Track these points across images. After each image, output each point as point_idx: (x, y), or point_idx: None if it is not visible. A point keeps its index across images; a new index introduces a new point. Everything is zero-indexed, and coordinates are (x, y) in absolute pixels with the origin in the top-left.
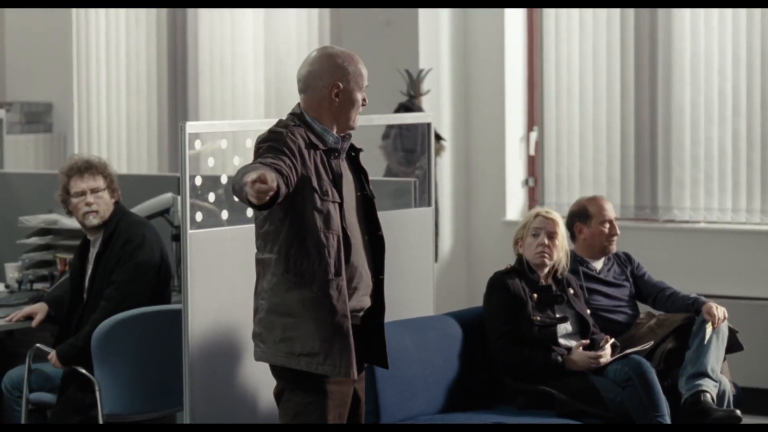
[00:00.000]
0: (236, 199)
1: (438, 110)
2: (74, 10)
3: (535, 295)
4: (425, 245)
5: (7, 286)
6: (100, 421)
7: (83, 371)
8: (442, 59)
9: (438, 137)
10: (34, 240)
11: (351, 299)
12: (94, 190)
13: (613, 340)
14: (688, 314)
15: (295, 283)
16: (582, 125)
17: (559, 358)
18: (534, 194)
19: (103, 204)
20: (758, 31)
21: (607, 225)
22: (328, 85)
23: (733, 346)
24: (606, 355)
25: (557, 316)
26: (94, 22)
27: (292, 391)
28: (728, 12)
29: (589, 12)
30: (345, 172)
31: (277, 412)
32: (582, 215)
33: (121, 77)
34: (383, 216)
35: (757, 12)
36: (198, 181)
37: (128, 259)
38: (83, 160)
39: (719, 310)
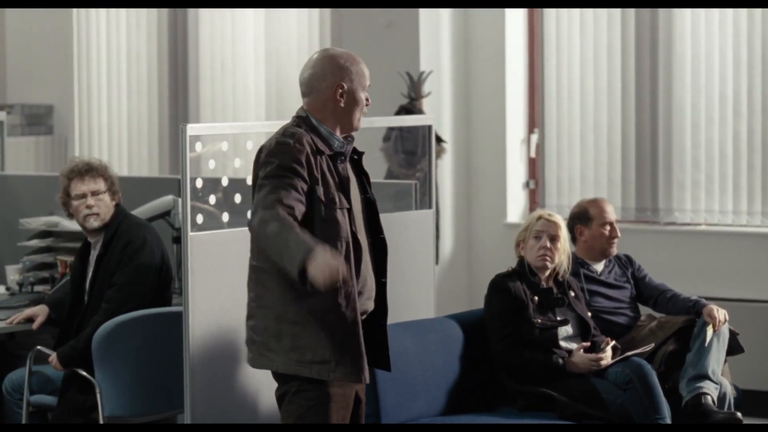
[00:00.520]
0: (274, 256)
1: (439, 112)
2: (75, 12)
3: (536, 298)
4: (426, 247)
5: (7, 289)
6: (101, 423)
7: (84, 373)
8: (443, 61)
9: (439, 139)
10: (35, 242)
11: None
12: (94, 193)
13: (613, 342)
14: (689, 316)
15: (302, 292)
16: (583, 127)
17: (560, 361)
18: (535, 196)
19: (103, 206)
20: (759, 33)
21: (608, 227)
22: (332, 86)
23: (734, 348)
24: (607, 357)
25: (558, 318)
26: (95, 24)
27: (296, 394)
28: (729, 13)
29: (589, 13)
30: (348, 174)
31: (278, 414)
32: (583, 217)
33: (121, 79)
34: (384, 218)
35: (757, 13)
36: (199, 183)
37: (129, 261)
38: (84, 162)
39: (720, 313)
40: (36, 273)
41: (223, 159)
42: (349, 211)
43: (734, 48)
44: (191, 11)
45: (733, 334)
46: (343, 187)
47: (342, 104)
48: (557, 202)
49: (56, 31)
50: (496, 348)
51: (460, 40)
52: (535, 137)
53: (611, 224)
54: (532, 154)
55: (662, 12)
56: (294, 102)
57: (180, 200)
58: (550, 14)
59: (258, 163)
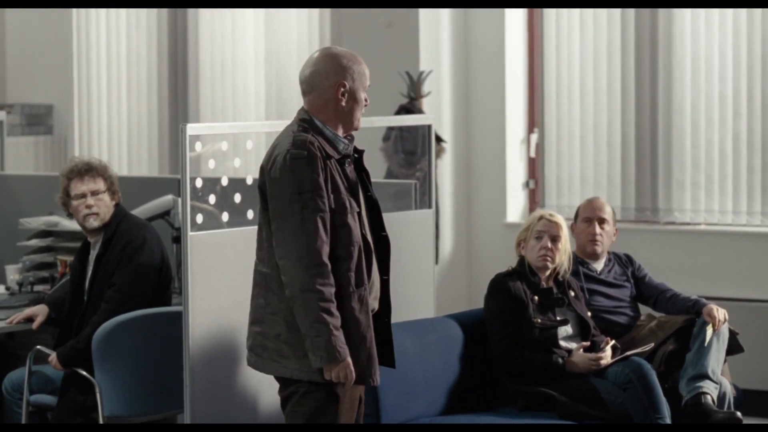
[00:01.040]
0: (302, 326)
1: (438, 112)
2: (75, 12)
3: (536, 298)
4: (426, 247)
5: (7, 288)
6: (101, 423)
7: (84, 373)
8: (443, 61)
9: (438, 139)
10: (35, 242)
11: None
12: (94, 193)
13: (613, 342)
14: (689, 316)
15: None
16: (582, 127)
17: (560, 360)
18: (534, 196)
19: (103, 206)
20: (759, 33)
21: (587, 224)
22: (334, 84)
23: (734, 348)
24: (606, 357)
25: (558, 318)
26: (95, 23)
27: (305, 395)
28: (729, 13)
29: (589, 13)
30: (353, 175)
31: (278, 414)
32: (575, 215)
33: (121, 79)
34: (384, 218)
35: (757, 13)
36: (198, 183)
37: (129, 261)
38: (83, 162)
39: (720, 312)
40: (36, 273)
41: (223, 159)
42: (359, 214)
43: (734, 48)
44: (191, 11)
45: (732, 334)
46: (352, 190)
47: (343, 103)
48: (557, 202)
49: (56, 31)
50: (496, 348)
51: (460, 40)
52: (534, 137)
53: (591, 221)
54: (532, 154)
55: (662, 12)
56: (294, 102)
57: (180, 200)
58: (550, 14)
59: (270, 176)
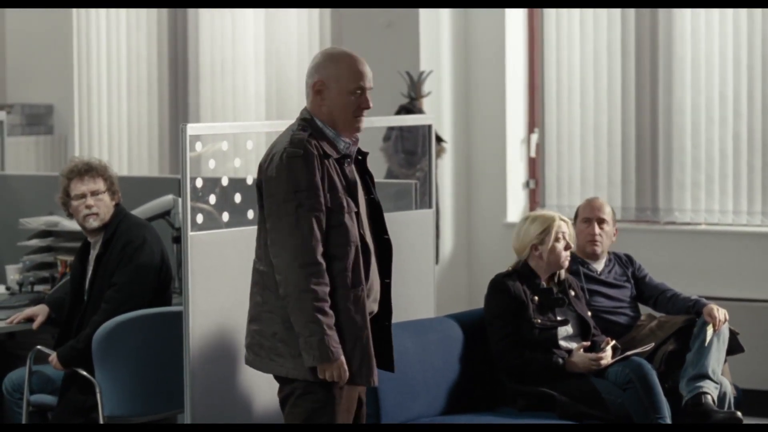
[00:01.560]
0: (296, 326)
1: (439, 112)
2: (75, 12)
3: (536, 298)
4: (426, 247)
5: (7, 288)
6: (101, 423)
7: (84, 373)
8: (443, 61)
9: (439, 139)
10: (35, 242)
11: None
12: (94, 193)
13: (614, 342)
14: (689, 316)
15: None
16: (583, 127)
17: (560, 361)
18: (535, 196)
19: (103, 206)
20: (759, 33)
21: (586, 224)
22: (311, 84)
23: (734, 348)
24: (607, 357)
25: (558, 318)
26: (95, 23)
27: (302, 396)
28: (729, 13)
29: (589, 13)
30: (354, 176)
31: (278, 414)
32: (575, 215)
33: (121, 79)
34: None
35: (757, 13)
36: (199, 183)
37: (129, 261)
38: (83, 162)
39: (720, 312)
40: (36, 273)
41: (223, 159)
42: (357, 214)
43: (734, 48)
44: (191, 11)
45: (733, 334)
46: (351, 191)
47: (325, 101)
48: (557, 201)
49: (56, 31)
50: (496, 348)
51: (460, 40)
52: (535, 137)
53: (591, 221)
54: (532, 154)
55: (662, 12)
56: (294, 102)
57: (180, 200)
58: (550, 14)
59: (267, 174)
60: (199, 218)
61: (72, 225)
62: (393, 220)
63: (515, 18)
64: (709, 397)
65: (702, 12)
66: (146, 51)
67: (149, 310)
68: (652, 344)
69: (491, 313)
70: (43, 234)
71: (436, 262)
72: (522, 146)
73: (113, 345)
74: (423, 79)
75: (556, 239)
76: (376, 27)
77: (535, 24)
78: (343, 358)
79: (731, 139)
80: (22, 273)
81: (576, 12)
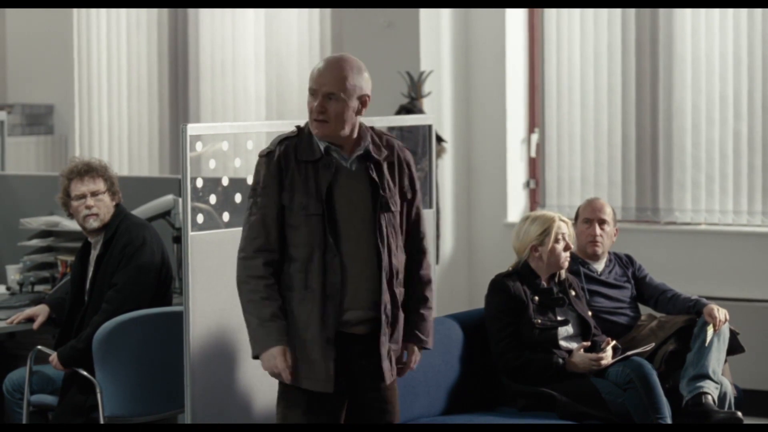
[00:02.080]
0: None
1: (439, 112)
2: (75, 12)
3: (537, 298)
4: None
5: (8, 288)
6: (102, 423)
7: (84, 373)
8: (443, 61)
9: (439, 139)
10: (36, 242)
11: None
12: (94, 193)
13: (614, 342)
14: (690, 316)
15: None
16: (583, 127)
17: (560, 361)
18: (535, 196)
19: (103, 207)
20: (759, 33)
21: (587, 225)
22: None
23: (735, 348)
24: (607, 357)
25: (558, 318)
26: (95, 24)
27: (279, 397)
28: (729, 13)
29: (590, 13)
30: (347, 182)
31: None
32: (576, 215)
33: (122, 79)
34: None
35: (758, 13)
36: (199, 183)
37: (129, 261)
38: (84, 162)
39: (720, 312)
40: (36, 273)
41: (224, 159)
42: (323, 217)
43: (734, 48)
44: (191, 11)
45: (733, 334)
46: (319, 194)
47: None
48: (557, 202)
49: (57, 31)
50: (496, 348)
51: (460, 40)
52: (535, 137)
53: (592, 222)
54: (533, 154)
55: (662, 12)
56: (294, 102)
57: (180, 200)
58: (551, 14)
59: None
60: (200, 218)
61: (72, 225)
62: None
63: (515, 18)
64: (709, 397)
65: (702, 12)
66: (146, 51)
67: (150, 310)
68: (653, 344)
69: (491, 314)
70: (44, 234)
71: (437, 262)
72: (522, 146)
73: (114, 345)
74: (423, 79)
75: (556, 240)
76: (377, 27)
77: (535, 24)
78: (276, 352)
79: (731, 138)
80: (23, 273)
81: (576, 12)
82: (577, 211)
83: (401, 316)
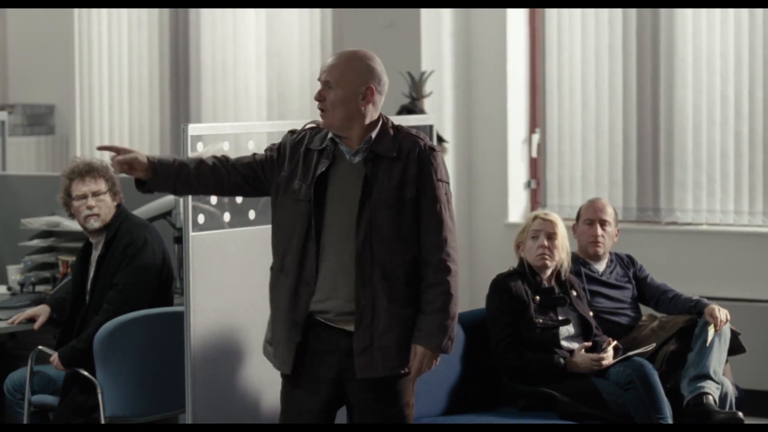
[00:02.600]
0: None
1: (440, 112)
2: (76, 12)
3: (538, 298)
4: None
5: (9, 288)
6: (102, 423)
7: (85, 373)
8: (444, 61)
9: (440, 139)
10: (37, 242)
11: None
12: (95, 193)
13: (615, 342)
14: (691, 316)
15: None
16: (584, 127)
17: (561, 361)
18: (536, 196)
19: (104, 207)
20: (760, 33)
21: (588, 225)
22: None
23: (736, 348)
24: (608, 357)
25: (559, 318)
26: (96, 24)
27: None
28: (730, 13)
29: (591, 13)
30: (344, 173)
31: (278, 414)
32: (577, 216)
33: (123, 79)
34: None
35: (759, 13)
36: None
37: (130, 261)
38: (85, 162)
39: (721, 313)
40: (37, 273)
41: None
42: (309, 204)
43: (735, 48)
44: (192, 11)
45: (734, 334)
46: (308, 182)
47: None
48: (558, 202)
49: (57, 31)
50: (496, 348)
51: (461, 40)
52: (536, 137)
53: (592, 222)
54: (534, 154)
55: (663, 12)
56: (295, 102)
57: (181, 200)
58: (552, 14)
59: None
60: (201, 218)
61: (73, 225)
62: None
63: (516, 18)
64: (710, 397)
65: (703, 12)
66: (147, 51)
67: (151, 310)
68: (654, 344)
69: (492, 313)
70: (45, 234)
71: None
72: (523, 146)
73: (115, 345)
74: (424, 80)
75: (532, 237)
76: (378, 27)
77: (536, 24)
78: (140, 154)
79: (732, 138)
80: (24, 273)
81: (577, 12)
82: (578, 212)
83: (395, 313)
